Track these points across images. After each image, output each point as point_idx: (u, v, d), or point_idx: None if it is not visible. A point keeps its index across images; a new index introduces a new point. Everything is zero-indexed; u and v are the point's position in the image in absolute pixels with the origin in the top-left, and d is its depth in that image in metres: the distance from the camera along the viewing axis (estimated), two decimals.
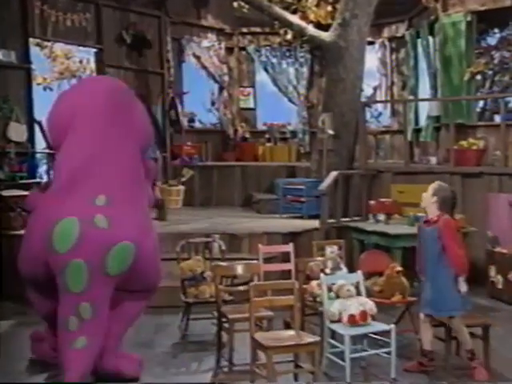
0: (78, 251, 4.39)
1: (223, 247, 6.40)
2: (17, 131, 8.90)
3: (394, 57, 12.22)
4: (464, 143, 8.92)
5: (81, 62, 13.20)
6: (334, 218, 8.34)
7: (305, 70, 12.84)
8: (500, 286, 7.40)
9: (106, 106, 4.87)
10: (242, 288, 5.52)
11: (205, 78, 12.55)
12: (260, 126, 13.22)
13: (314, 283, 5.54)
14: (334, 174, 8.46)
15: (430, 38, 10.67)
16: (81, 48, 11.53)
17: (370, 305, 5.02)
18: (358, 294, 5.14)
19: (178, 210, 10.29)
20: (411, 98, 11.30)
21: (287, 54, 12.86)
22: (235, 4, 11.42)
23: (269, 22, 11.45)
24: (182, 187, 10.73)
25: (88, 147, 4.74)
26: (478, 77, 10.25)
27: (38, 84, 12.59)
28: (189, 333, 6.07)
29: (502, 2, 9.43)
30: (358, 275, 5.30)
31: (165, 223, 8.71)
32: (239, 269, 5.47)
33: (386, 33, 12.20)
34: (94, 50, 10.70)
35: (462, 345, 5.17)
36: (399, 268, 5.78)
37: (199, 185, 11.24)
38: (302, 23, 10.19)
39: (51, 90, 13.23)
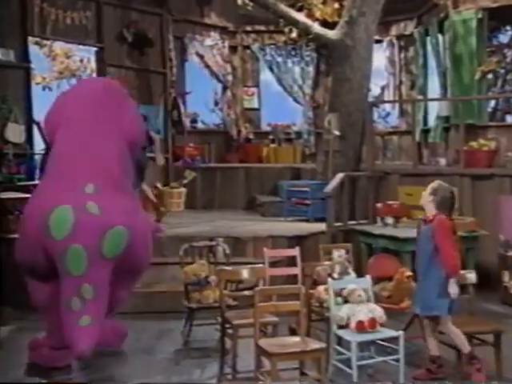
0: (75, 237, 4.68)
1: (227, 251, 6.38)
2: (15, 132, 8.78)
3: (402, 55, 12.08)
4: (474, 144, 8.77)
5: (81, 61, 13.14)
6: (340, 221, 8.21)
7: (310, 69, 12.67)
8: None
9: (95, 104, 5.28)
10: (247, 293, 5.53)
11: (208, 77, 12.38)
12: (264, 127, 13.06)
13: (321, 288, 5.47)
14: (340, 175, 8.34)
15: (440, 36, 10.53)
16: (81, 47, 11.37)
17: (379, 312, 4.97)
18: (367, 299, 5.07)
19: (179, 212, 10.16)
20: (420, 97, 11.19)
21: (292, 52, 12.69)
22: (239, 1, 11.35)
23: (273, 19, 11.30)
24: (183, 189, 10.57)
25: (76, 140, 5.09)
26: (490, 76, 10.13)
27: (37, 83, 12.49)
28: (192, 339, 6.04)
29: None
30: (367, 280, 5.24)
31: (167, 226, 8.53)
32: (244, 273, 5.46)
33: (394, 31, 12.04)
34: (95, 48, 10.58)
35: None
36: (409, 273, 5.71)
37: (201, 187, 11.12)
38: (308, 21, 10.18)
39: (50, 89, 13.13)
